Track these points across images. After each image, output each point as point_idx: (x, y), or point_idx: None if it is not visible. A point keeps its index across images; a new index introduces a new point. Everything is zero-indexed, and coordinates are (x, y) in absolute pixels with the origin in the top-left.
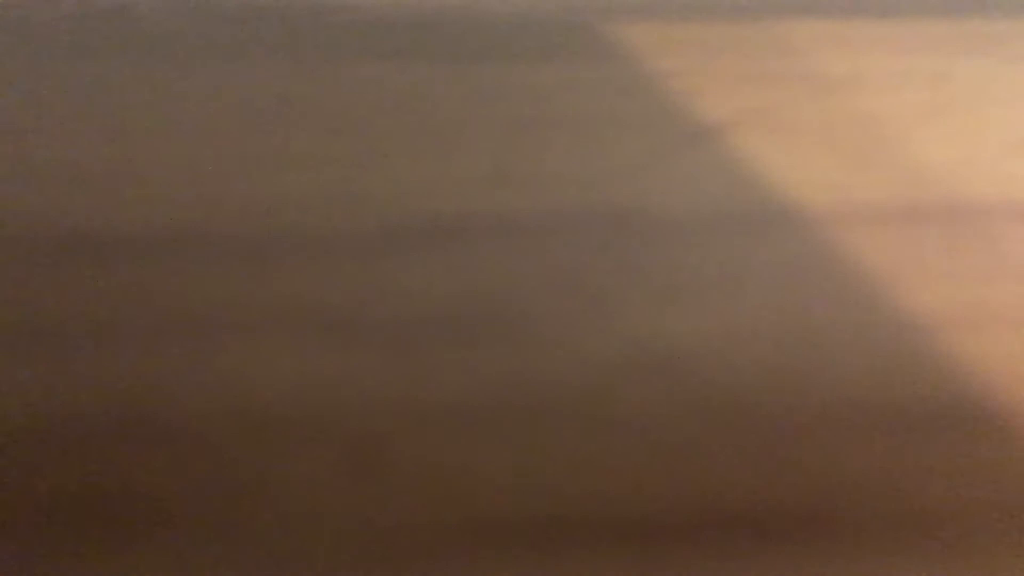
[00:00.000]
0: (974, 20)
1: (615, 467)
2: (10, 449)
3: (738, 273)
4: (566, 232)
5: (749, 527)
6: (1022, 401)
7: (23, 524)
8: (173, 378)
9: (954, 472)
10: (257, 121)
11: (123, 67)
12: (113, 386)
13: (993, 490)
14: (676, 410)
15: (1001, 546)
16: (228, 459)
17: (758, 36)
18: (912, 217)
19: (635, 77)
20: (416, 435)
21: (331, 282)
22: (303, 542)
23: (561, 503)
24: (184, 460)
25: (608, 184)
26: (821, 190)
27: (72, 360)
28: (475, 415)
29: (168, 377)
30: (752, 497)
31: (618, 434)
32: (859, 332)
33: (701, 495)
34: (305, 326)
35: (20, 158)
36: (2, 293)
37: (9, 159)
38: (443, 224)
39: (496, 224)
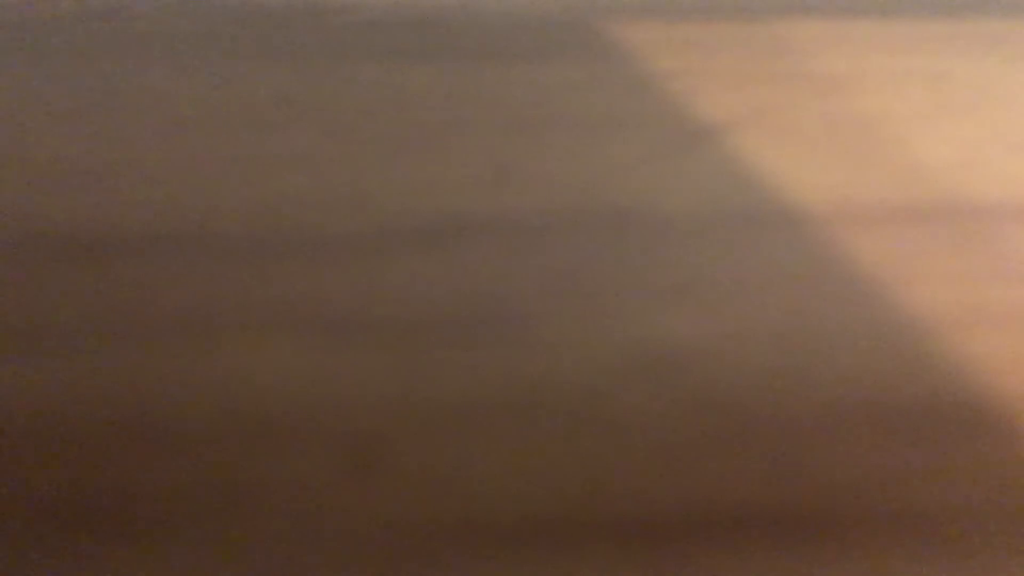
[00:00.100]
0: (974, 20)
1: (615, 467)
2: (10, 449)
3: (738, 273)
4: (566, 232)
5: (749, 527)
6: (1022, 401)
7: (23, 524)
8: (173, 378)
9: (954, 472)
10: (257, 121)
11: (122, 67)
12: (113, 386)
13: (993, 490)
14: (676, 410)
15: (1001, 546)
16: (227, 459)
17: (758, 36)
18: (912, 217)
19: (635, 77)
20: (416, 435)
21: (331, 282)
22: (303, 542)
23: (561, 503)
24: (184, 460)
25: (608, 184)
26: (821, 190)
27: (72, 360)
28: (475, 415)
29: (168, 377)
30: (752, 497)
31: (618, 434)
32: (859, 332)
33: (701, 495)
34: (305, 326)
35: (20, 158)
36: (2, 293)
37: (9, 159)
38: (443, 224)
39: (496, 224)
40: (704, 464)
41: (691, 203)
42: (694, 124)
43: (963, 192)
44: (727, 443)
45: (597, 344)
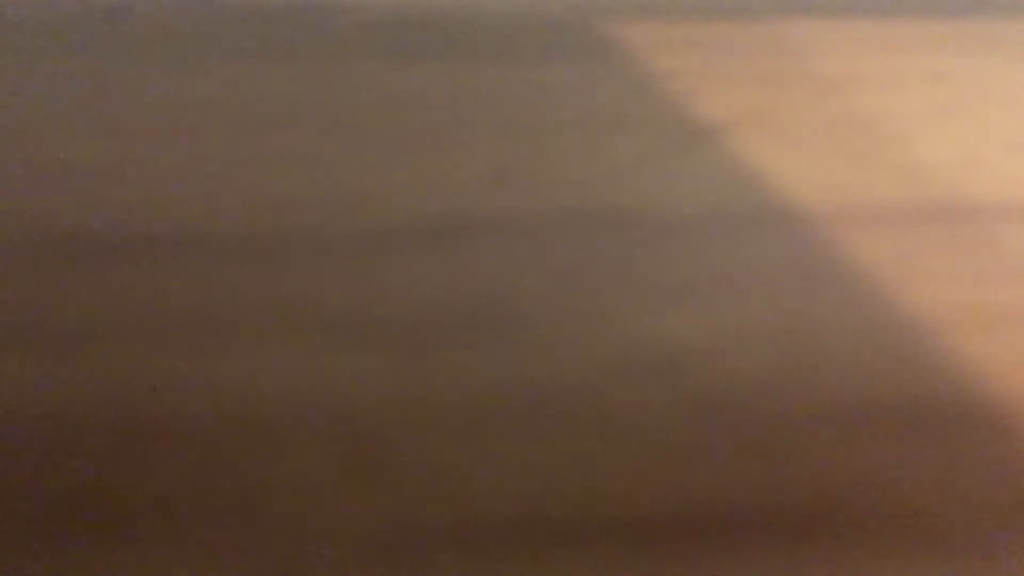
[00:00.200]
0: (974, 20)
1: (615, 467)
2: (10, 449)
3: (738, 273)
4: (566, 232)
5: (749, 527)
6: (1022, 401)
7: (23, 524)
8: (173, 378)
9: (954, 472)
10: (257, 121)
11: (122, 67)
12: (113, 386)
13: (993, 490)
14: (676, 410)
15: (1001, 546)
16: (227, 459)
17: (758, 36)
18: (912, 217)
19: (635, 77)
20: (416, 435)
21: (331, 282)
22: (303, 542)
23: (561, 503)
24: (184, 460)
25: (608, 184)
26: (821, 190)
27: (72, 360)
28: (475, 415)
29: (168, 377)
30: (752, 497)
31: (618, 434)
32: (859, 332)
33: (701, 495)
34: (305, 326)
35: (20, 158)
36: (2, 293)
37: (9, 159)
38: (443, 224)
39: (496, 224)
40: (703, 464)
41: (691, 203)
42: (694, 124)
43: (963, 192)
44: (726, 443)
45: (597, 344)
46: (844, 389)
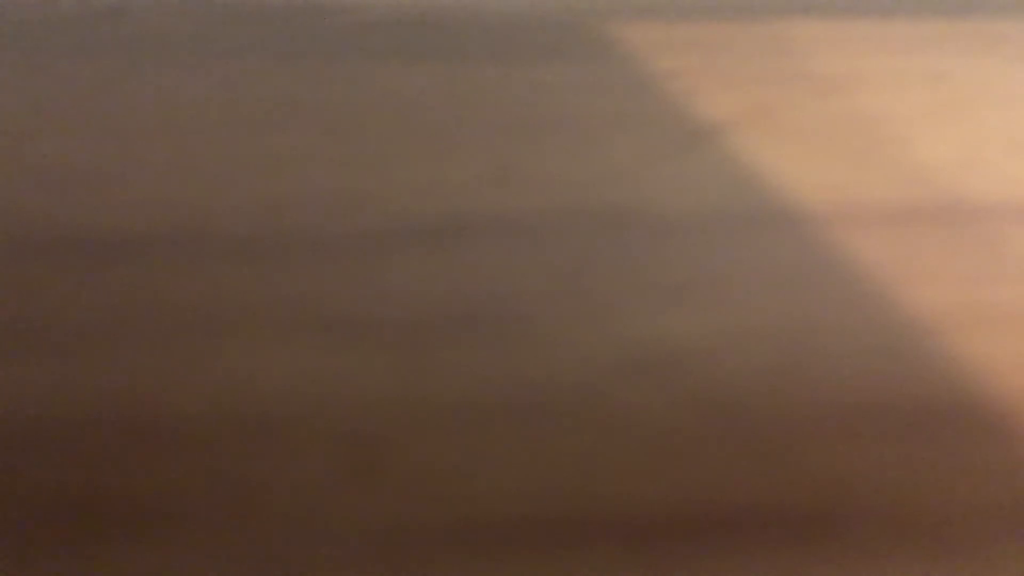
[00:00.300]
0: (974, 20)
1: (615, 467)
2: (10, 449)
3: (738, 273)
4: (566, 232)
5: (749, 527)
6: (1022, 401)
7: (23, 524)
8: (173, 378)
9: (954, 472)
10: (257, 121)
11: (122, 67)
12: (113, 386)
13: (993, 490)
14: (676, 410)
15: (1001, 546)
16: (227, 459)
17: (758, 36)
18: (912, 217)
19: (635, 77)
20: (416, 435)
21: (331, 282)
22: (303, 542)
23: (561, 503)
24: (184, 460)
25: (608, 184)
26: (821, 190)
27: (72, 360)
28: (475, 415)
29: (168, 377)
30: (752, 497)
31: (618, 434)
32: (859, 332)
33: (701, 495)
34: (305, 326)
35: (19, 158)
36: (2, 293)
37: (9, 159)
38: (443, 224)
39: (496, 224)
40: (703, 464)
41: (691, 203)
42: (694, 124)
43: (963, 192)
44: (726, 443)
45: (597, 344)
46: (844, 389)
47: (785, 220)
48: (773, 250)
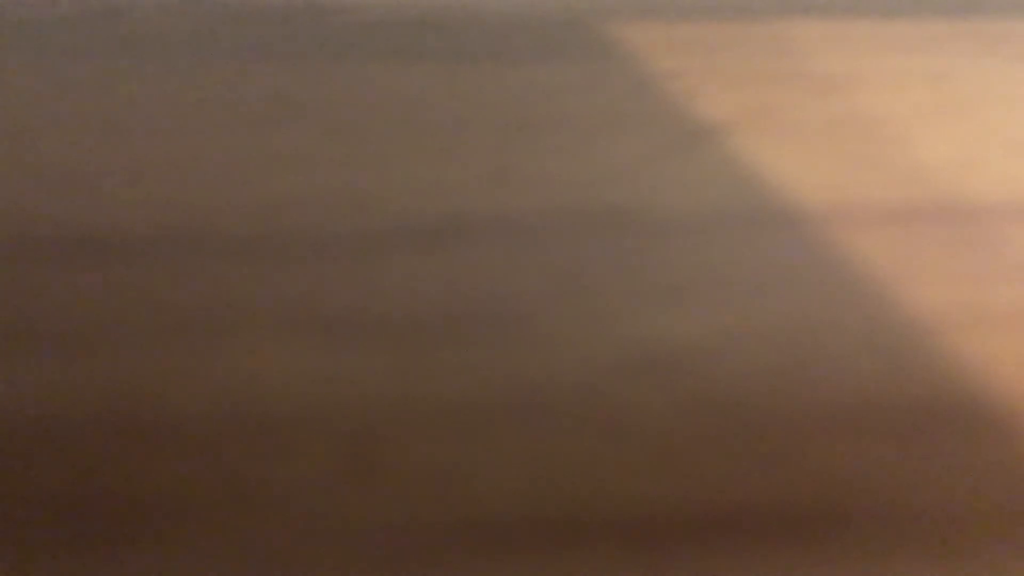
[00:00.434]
0: (974, 20)
1: (615, 467)
2: (10, 449)
3: (738, 273)
4: (566, 232)
5: (749, 526)
6: (1022, 401)
7: (23, 524)
8: (173, 378)
9: (954, 472)
10: (257, 121)
11: (122, 67)
12: (113, 386)
13: (993, 490)
14: (676, 410)
15: (1001, 546)
16: (227, 459)
17: (758, 36)
18: (912, 217)
19: (635, 77)
20: (416, 435)
21: (331, 282)
22: (303, 542)
23: (561, 503)
24: (184, 460)
25: (608, 184)
26: (821, 190)
27: (72, 360)
28: (475, 415)
29: (168, 377)
30: (752, 497)
31: (618, 434)
32: (859, 332)
33: (701, 495)
34: (305, 326)
35: (20, 158)
36: (2, 293)
37: (8, 159)
38: (443, 224)
39: (496, 224)
40: (704, 464)
41: (691, 203)
42: (694, 124)
43: (963, 192)
44: (727, 443)
45: (597, 344)
46: (844, 389)
47: (785, 220)
48: (773, 250)
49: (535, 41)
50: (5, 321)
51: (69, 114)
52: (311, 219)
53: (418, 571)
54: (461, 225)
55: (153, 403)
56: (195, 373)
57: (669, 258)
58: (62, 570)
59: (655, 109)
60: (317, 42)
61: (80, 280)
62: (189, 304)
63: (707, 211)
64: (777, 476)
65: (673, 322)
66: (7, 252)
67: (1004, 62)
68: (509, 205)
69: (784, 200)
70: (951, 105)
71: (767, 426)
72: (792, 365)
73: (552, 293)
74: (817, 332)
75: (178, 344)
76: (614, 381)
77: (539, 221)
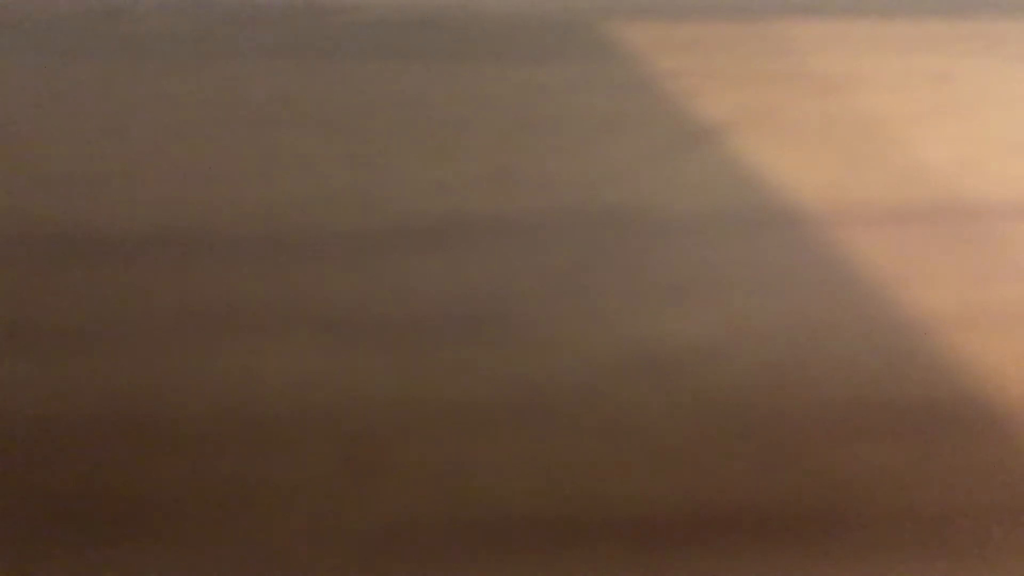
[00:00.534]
0: (974, 20)
1: (615, 467)
2: (10, 449)
3: (738, 273)
4: (566, 232)
5: (749, 527)
6: (1022, 401)
7: (23, 524)
8: (173, 378)
9: (954, 472)
10: (257, 121)
11: (122, 67)
12: (113, 386)
13: (993, 490)
14: (676, 410)
15: (1001, 546)
16: (227, 458)
17: (758, 36)
18: (912, 217)
19: (635, 77)
20: (416, 435)
21: (331, 282)
22: (303, 542)
23: (561, 503)
24: (184, 460)
25: (608, 184)
26: (821, 190)
27: (72, 360)
28: (475, 415)
29: (168, 377)
30: (752, 497)
31: (618, 434)
32: (859, 332)
33: (701, 495)
34: (305, 326)
35: (19, 158)
36: (2, 293)
37: (8, 159)
38: (443, 224)
39: (496, 224)
40: (704, 464)
41: (691, 203)
42: (694, 124)
43: (963, 192)
44: (727, 443)
45: (597, 344)
46: (844, 389)
47: (785, 220)
48: (773, 250)
49: (535, 41)
50: (5, 320)
51: (69, 114)
52: (311, 219)
53: (418, 571)
54: (461, 225)
55: (153, 403)
56: (195, 373)
57: (669, 258)
58: (62, 570)
59: (655, 109)
60: (317, 42)
61: (80, 280)
62: (189, 304)
63: (707, 211)
64: (777, 476)
65: (673, 322)
66: (7, 252)
67: (1004, 62)
68: (509, 205)
69: (784, 200)
70: (951, 105)
71: (767, 426)
72: (792, 365)
73: (552, 293)
74: (817, 332)
75: (178, 344)
76: (614, 381)
77: (539, 221)
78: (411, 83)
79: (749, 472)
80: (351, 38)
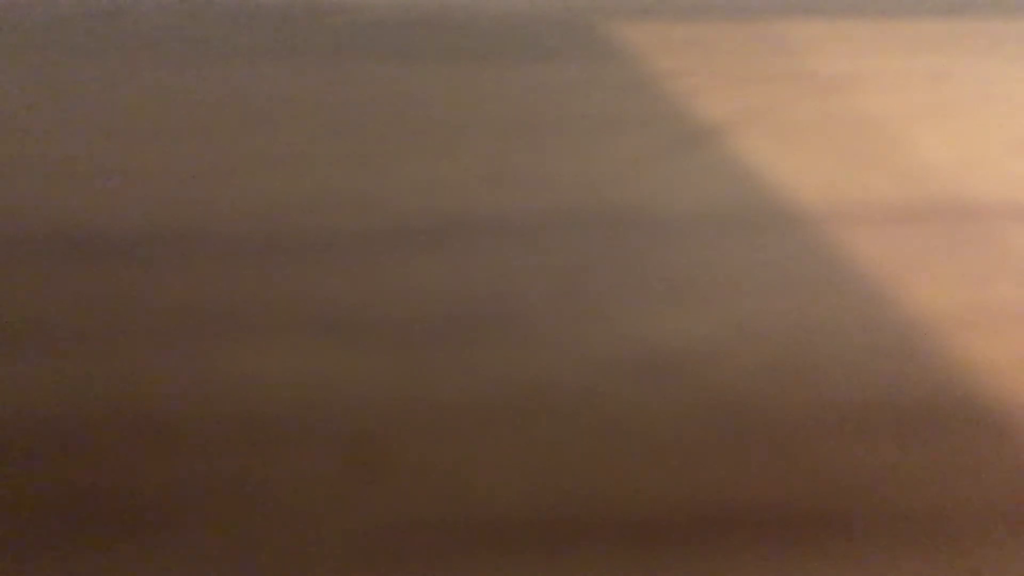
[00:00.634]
0: (974, 20)
1: (615, 467)
2: (10, 449)
3: (738, 273)
4: (566, 232)
5: (749, 527)
6: (1022, 401)
7: (23, 524)
8: (173, 378)
9: (954, 472)
10: (257, 121)
11: (122, 67)
12: (113, 386)
13: (993, 490)
14: (676, 410)
15: (1001, 546)
16: (228, 459)
17: (758, 36)
18: (912, 217)
19: (635, 77)
20: (416, 435)
21: (331, 282)
22: (303, 542)
23: (561, 503)
24: (184, 460)
25: (608, 184)
26: (821, 190)
27: (72, 360)
28: (475, 415)
29: (168, 377)
30: (752, 497)
31: (618, 434)
32: (859, 332)
33: (701, 495)
34: (305, 326)
35: (20, 158)
36: (2, 293)
37: (9, 159)
38: (443, 224)
39: (496, 224)
40: (704, 464)
41: (691, 203)
42: (694, 124)
43: (963, 192)
44: (727, 443)
45: (597, 344)
46: (844, 389)
47: (785, 220)
48: (773, 250)
49: (535, 41)
50: (5, 320)
51: (69, 114)
52: (311, 219)
53: (418, 571)
54: (461, 225)
55: (153, 403)
56: (195, 373)
57: (669, 258)
58: (62, 569)
59: (655, 109)
60: (317, 42)
61: (80, 280)
62: (189, 304)
63: (707, 211)
64: (777, 476)
65: (673, 322)
66: (7, 252)
67: (1004, 62)
68: (509, 205)
69: (784, 200)
70: (951, 105)
71: (767, 426)
72: (792, 365)
73: (552, 293)
74: (817, 332)
75: (178, 344)
76: (614, 381)
77: (539, 221)
78: (411, 83)
79: (749, 472)
80: (351, 38)
